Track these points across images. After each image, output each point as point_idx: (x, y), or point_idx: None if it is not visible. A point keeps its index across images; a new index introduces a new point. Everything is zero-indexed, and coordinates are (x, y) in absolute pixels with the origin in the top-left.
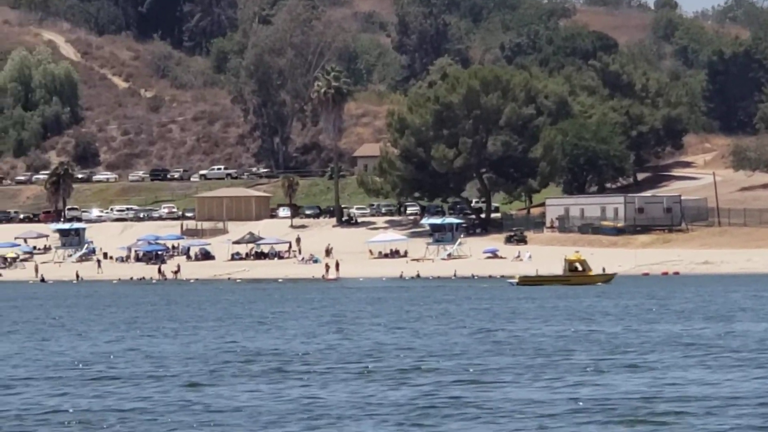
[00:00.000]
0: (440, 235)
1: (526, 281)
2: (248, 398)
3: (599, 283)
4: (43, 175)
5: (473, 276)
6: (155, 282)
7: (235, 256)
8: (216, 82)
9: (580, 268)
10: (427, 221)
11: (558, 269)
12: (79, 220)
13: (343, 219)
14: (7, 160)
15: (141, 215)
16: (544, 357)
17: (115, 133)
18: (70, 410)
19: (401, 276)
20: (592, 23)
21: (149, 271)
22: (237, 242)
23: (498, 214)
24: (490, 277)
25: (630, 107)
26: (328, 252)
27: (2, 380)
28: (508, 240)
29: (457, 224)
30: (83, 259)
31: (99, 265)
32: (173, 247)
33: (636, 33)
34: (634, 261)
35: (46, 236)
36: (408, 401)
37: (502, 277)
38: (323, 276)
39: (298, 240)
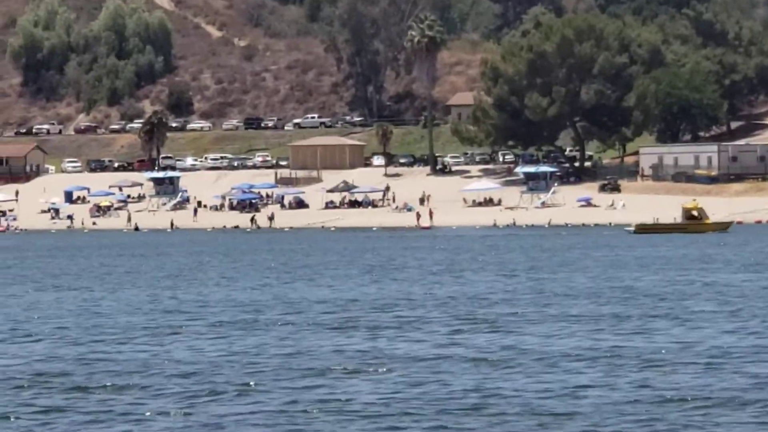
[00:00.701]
0: (534, 183)
1: (644, 229)
2: None
3: (715, 231)
4: (137, 124)
5: (566, 224)
6: (249, 231)
7: (329, 205)
8: (309, 30)
9: (697, 216)
10: (521, 170)
11: (649, 218)
12: (173, 168)
13: (437, 168)
14: (101, 109)
15: (235, 164)
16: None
17: (208, 81)
18: None
19: (494, 224)
20: None
21: (242, 219)
22: (331, 191)
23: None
24: (583, 225)
25: (723, 56)
26: (422, 200)
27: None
28: (602, 188)
29: (551, 173)
30: (177, 207)
31: (195, 214)
32: (267, 195)
33: None
34: (727, 209)
35: (141, 185)
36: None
37: (596, 225)
38: (417, 224)
39: (387, 189)
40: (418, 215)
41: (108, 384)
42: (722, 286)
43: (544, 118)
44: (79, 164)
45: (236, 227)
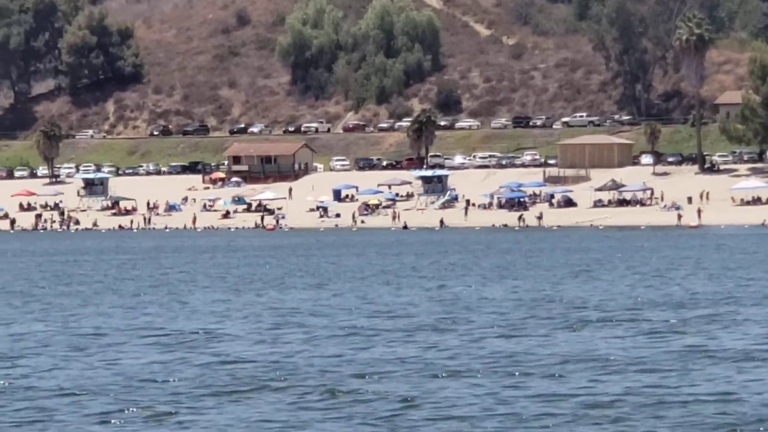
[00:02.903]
0: None
1: None
2: None
3: None
4: (405, 123)
5: None
6: (517, 229)
7: (597, 203)
8: (578, 29)
9: None
10: None
11: None
12: (441, 167)
13: (705, 166)
14: (369, 108)
15: (503, 162)
16: None
17: (477, 80)
18: None
19: (764, 223)
20: None
21: (511, 218)
22: (599, 189)
23: None
24: None
25: None
26: (691, 199)
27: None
28: None
29: None
30: (446, 206)
31: (466, 213)
32: (535, 194)
33: None
34: None
35: (409, 183)
36: None
37: None
38: (686, 223)
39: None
40: (680, 215)
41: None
42: None
43: None
44: (347, 162)
45: (505, 225)
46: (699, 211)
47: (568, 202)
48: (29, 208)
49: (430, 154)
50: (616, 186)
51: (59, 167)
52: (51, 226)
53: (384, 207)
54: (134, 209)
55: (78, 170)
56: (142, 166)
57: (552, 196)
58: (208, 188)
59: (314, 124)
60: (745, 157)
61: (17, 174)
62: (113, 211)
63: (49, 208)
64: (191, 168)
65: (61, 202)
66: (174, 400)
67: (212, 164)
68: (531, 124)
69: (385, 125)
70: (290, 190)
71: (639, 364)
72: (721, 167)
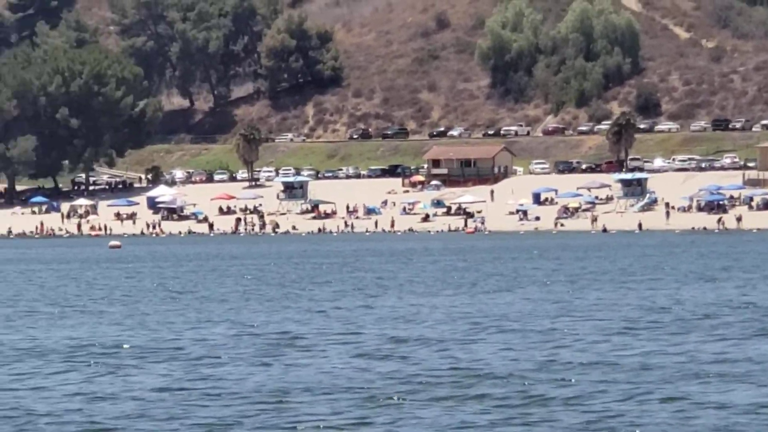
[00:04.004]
0: None
1: None
2: None
3: None
4: (605, 126)
5: None
6: (716, 232)
7: None
8: None
9: None
10: None
11: None
12: (641, 170)
13: None
14: (569, 111)
15: (703, 165)
16: None
17: (676, 83)
18: None
19: None
20: None
21: (710, 221)
22: None
23: None
24: None
25: None
26: None
27: None
28: None
29: None
30: (645, 209)
31: (668, 216)
32: (734, 197)
33: None
34: None
35: (608, 186)
36: None
37: None
38: None
39: None
40: None
41: None
42: None
43: None
44: (546, 166)
45: (704, 229)
46: None
47: (767, 205)
48: (228, 211)
49: (629, 157)
50: None
51: (259, 171)
52: (252, 230)
53: (583, 210)
54: (333, 213)
55: (277, 174)
56: (341, 170)
57: (751, 199)
58: (407, 191)
59: (514, 128)
60: None
61: (217, 177)
62: (312, 214)
63: (248, 212)
64: (391, 171)
65: (260, 205)
66: (372, 403)
67: (412, 167)
68: (730, 126)
69: (584, 128)
70: (492, 192)
71: None
72: None
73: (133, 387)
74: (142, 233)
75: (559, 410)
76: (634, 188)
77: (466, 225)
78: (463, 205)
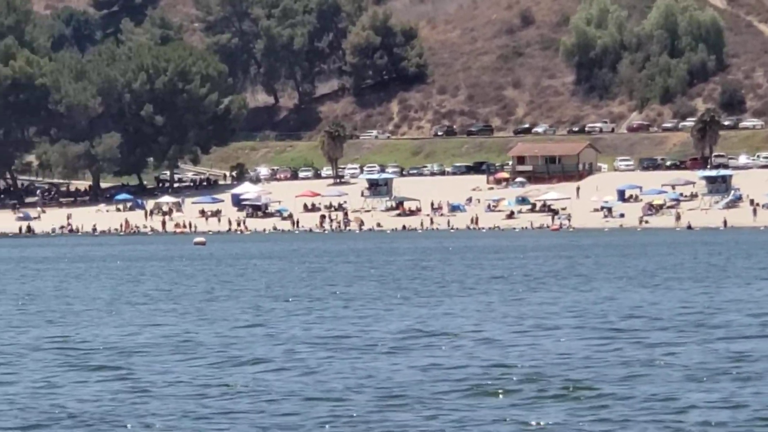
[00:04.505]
0: None
1: None
2: None
3: None
4: (689, 122)
5: None
6: None
7: None
8: None
9: None
10: None
11: None
12: (725, 167)
13: None
14: (653, 107)
15: None
16: None
17: (761, 80)
18: None
19: None
20: None
21: None
22: None
23: None
24: None
25: None
26: None
27: None
28: None
29: None
30: (730, 206)
31: (755, 213)
32: None
33: None
34: None
35: (693, 183)
36: None
37: None
38: None
39: None
40: None
41: None
42: None
43: None
44: (631, 162)
45: None
46: None
47: None
48: (313, 208)
49: (713, 154)
50: None
51: (343, 168)
52: (338, 227)
53: (668, 207)
54: (418, 210)
55: (362, 171)
56: (426, 167)
57: None
58: (492, 188)
59: (598, 124)
60: None
61: (301, 174)
62: (397, 211)
63: (332, 209)
64: (475, 168)
65: (345, 202)
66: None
67: (496, 164)
68: None
69: (669, 125)
70: (578, 189)
71: None
72: None
73: None
74: (229, 230)
75: None
76: (719, 185)
77: (553, 221)
78: (548, 202)
